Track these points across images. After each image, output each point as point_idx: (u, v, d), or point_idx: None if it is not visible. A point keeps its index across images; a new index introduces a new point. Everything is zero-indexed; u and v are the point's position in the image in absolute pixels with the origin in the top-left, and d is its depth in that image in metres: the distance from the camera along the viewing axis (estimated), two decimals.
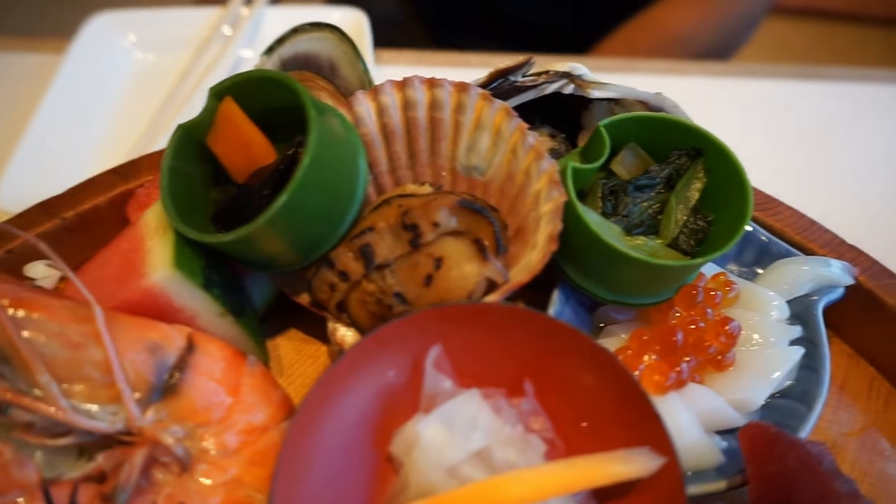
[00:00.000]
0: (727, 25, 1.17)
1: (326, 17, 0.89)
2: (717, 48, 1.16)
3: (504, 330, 0.43)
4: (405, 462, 0.40)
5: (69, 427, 0.39)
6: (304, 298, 0.51)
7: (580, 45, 1.14)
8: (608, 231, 0.48)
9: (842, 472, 0.41)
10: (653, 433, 0.40)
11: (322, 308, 0.50)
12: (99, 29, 0.88)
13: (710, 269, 0.54)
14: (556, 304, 0.51)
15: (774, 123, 0.90)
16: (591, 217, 0.49)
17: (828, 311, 0.56)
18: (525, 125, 0.50)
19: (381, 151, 0.54)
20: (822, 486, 0.37)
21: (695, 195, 0.51)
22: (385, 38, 1.01)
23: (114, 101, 0.85)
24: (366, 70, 0.58)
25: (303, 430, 0.38)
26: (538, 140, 0.49)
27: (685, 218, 0.51)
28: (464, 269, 0.46)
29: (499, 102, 0.51)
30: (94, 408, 0.40)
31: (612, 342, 0.50)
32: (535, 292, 0.53)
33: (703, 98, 0.94)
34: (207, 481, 0.40)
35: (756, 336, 0.51)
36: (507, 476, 0.38)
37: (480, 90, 0.51)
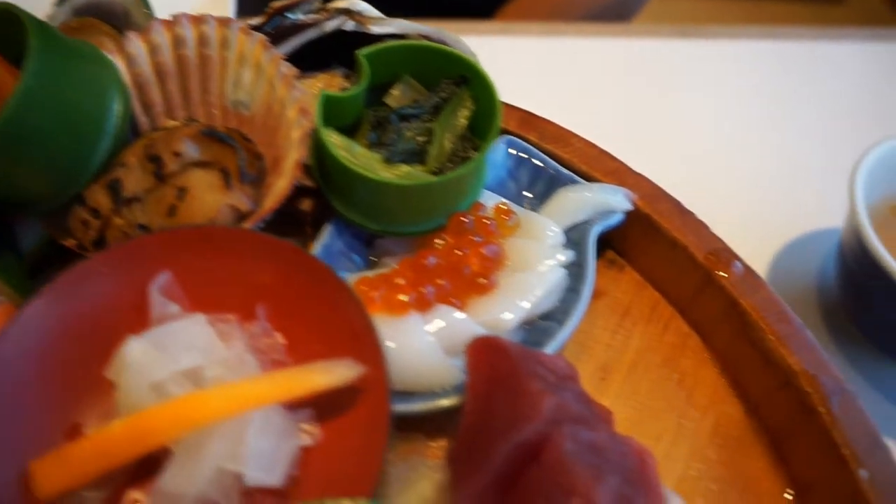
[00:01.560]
0: None
1: None
2: (614, 9, 1.17)
3: (236, 255, 0.43)
4: (116, 384, 0.40)
5: None
6: (70, 241, 0.50)
7: (489, 12, 1.14)
8: (362, 159, 0.48)
9: (567, 385, 0.41)
10: (367, 348, 0.40)
11: (84, 248, 0.49)
12: None
13: (491, 200, 0.54)
14: (326, 238, 0.50)
15: (652, 82, 0.90)
16: (355, 148, 0.49)
17: (617, 239, 0.57)
18: (280, 55, 0.50)
19: (156, 91, 0.53)
20: (518, 386, 0.37)
21: (462, 122, 0.51)
22: None
23: None
24: (149, 12, 0.58)
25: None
26: (290, 70, 0.49)
27: (452, 146, 0.51)
28: (206, 199, 0.46)
29: (257, 35, 0.50)
30: None
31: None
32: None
33: (585, 59, 0.95)
34: None
35: (528, 262, 0.50)
36: (207, 390, 0.38)
37: (241, 24, 0.51)
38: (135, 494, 0.39)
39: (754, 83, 0.90)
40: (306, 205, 0.54)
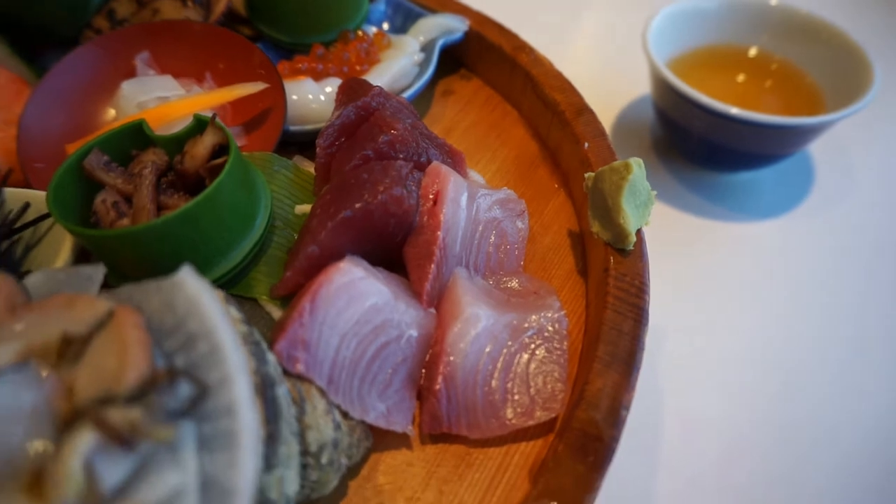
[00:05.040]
0: None
1: None
2: None
3: (192, 40, 0.67)
4: (116, 107, 0.63)
5: None
6: None
7: None
8: None
9: (405, 106, 0.64)
10: (275, 88, 0.63)
11: None
12: None
13: (371, 30, 0.78)
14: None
15: None
16: None
17: (466, 59, 0.81)
18: None
19: None
20: (363, 89, 0.61)
21: None
22: None
23: None
24: None
25: (46, 93, 0.62)
26: None
27: None
28: (171, 15, 0.70)
29: None
30: None
31: None
32: None
33: None
34: None
35: (394, 62, 0.75)
36: (175, 101, 0.61)
37: None
38: None
39: None
40: None
